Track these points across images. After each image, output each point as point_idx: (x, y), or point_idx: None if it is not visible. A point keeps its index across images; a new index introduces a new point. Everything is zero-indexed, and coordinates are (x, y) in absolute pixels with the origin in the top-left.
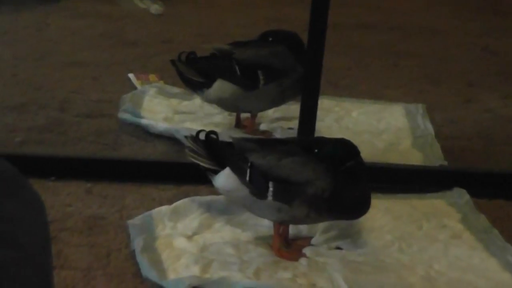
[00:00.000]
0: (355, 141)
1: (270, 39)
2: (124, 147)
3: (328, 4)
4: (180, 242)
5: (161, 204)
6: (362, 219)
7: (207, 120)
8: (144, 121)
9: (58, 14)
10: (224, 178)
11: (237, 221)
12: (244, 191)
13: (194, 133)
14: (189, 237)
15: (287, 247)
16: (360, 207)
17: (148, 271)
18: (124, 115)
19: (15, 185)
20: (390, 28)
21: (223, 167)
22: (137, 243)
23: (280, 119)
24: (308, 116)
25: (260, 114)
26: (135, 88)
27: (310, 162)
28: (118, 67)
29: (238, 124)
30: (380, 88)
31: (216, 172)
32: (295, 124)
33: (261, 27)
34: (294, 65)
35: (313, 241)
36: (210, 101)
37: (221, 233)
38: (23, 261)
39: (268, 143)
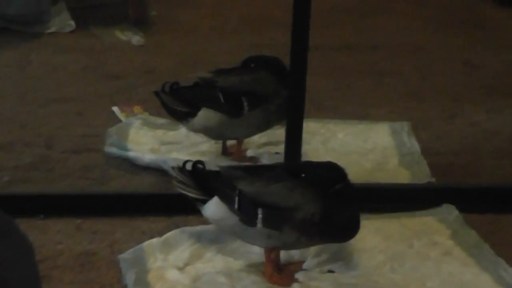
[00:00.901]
0: (342, 162)
1: (253, 65)
2: (112, 181)
3: (308, 27)
4: (172, 274)
5: (151, 237)
6: (353, 240)
7: (194, 149)
8: (130, 154)
9: (40, 50)
10: (213, 207)
11: (228, 249)
12: (233, 219)
13: (180, 164)
14: (181, 269)
15: (280, 273)
16: (350, 229)
17: None
18: (110, 149)
19: (3, 228)
20: (371, 47)
21: (211, 197)
22: (129, 278)
23: (266, 144)
24: (293, 140)
25: (246, 140)
26: (120, 121)
27: (298, 186)
28: (102, 101)
29: (225, 151)
30: (364, 107)
31: (204, 202)
32: (281, 148)
33: (243, 53)
34: (277, 90)
35: (305, 265)
36: (195, 130)
37: (213, 262)
38: None
39: (255, 170)
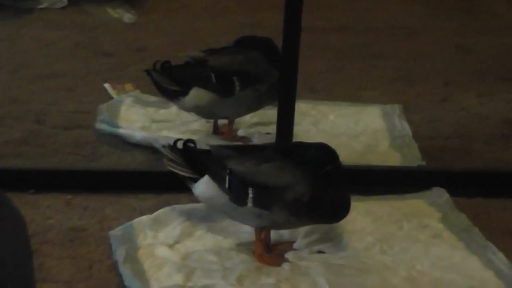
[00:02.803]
0: (332, 144)
1: (245, 45)
2: (102, 157)
3: (301, 8)
4: (162, 251)
5: (141, 214)
6: (343, 222)
7: (185, 127)
8: (121, 131)
9: (31, 25)
10: (204, 186)
11: (218, 228)
12: (223, 198)
13: (171, 142)
14: (171, 246)
15: (269, 253)
16: (340, 211)
17: (131, 282)
18: (101, 126)
19: None
20: (364, 30)
21: (202, 175)
22: (119, 254)
23: (257, 124)
24: (285, 121)
25: (237, 120)
26: (111, 98)
27: (289, 167)
28: (93, 77)
29: (216, 130)
30: (356, 90)
31: (195, 181)
32: (272, 129)
33: (235, 33)
34: (269, 70)
35: (295, 245)
36: (186, 109)
37: (203, 241)
38: (5, 278)
39: (246, 150)
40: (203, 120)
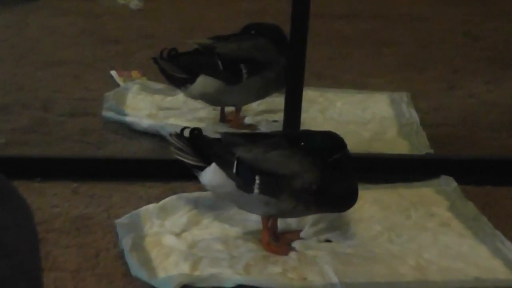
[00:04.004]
0: (340, 131)
1: (252, 32)
2: (109, 145)
3: None
4: (169, 240)
5: (148, 202)
6: (351, 210)
7: (192, 115)
8: (128, 119)
9: (37, 12)
10: (211, 174)
11: (225, 216)
12: (231, 186)
13: (178, 130)
14: (178, 235)
15: (276, 241)
16: (348, 199)
17: (138, 270)
18: (108, 113)
19: (2, 192)
20: (372, 17)
21: (209, 164)
22: (126, 242)
23: (265, 112)
24: (293, 108)
25: (244, 107)
26: (118, 85)
27: (297, 155)
28: (100, 65)
29: (223, 118)
30: (363, 77)
31: (202, 169)
32: (280, 116)
33: (243, 20)
34: (276, 58)
35: (302, 234)
36: (193, 96)
37: (210, 229)
38: (12, 270)
39: (254, 137)
40: (210, 108)
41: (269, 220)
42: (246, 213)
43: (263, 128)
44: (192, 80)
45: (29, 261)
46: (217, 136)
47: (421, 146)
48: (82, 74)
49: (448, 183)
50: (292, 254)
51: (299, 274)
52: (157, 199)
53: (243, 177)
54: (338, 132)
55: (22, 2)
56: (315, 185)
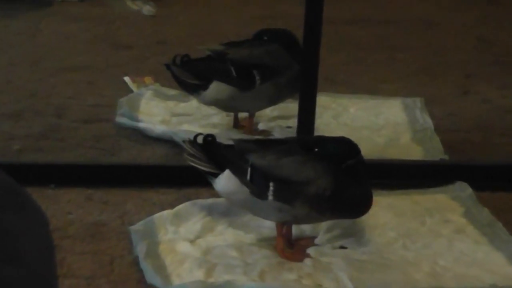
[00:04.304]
0: (354, 137)
1: (265, 38)
2: (123, 151)
3: (323, 0)
4: (183, 247)
5: (162, 209)
6: (365, 216)
7: (205, 121)
8: (141, 125)
9: (50, 18)
10: (225, 181)
11: (240, 223)
12: (244, 193)
13: (191, 137)
14: (192, 241)
15: (291, 248)
16: (362, 206)
17: (152, 277)
18: (121, 119)
19: (18, 199)
20: (385, 22)
21: (222, 170)
22: (140, 249)
23: (278, 118)
24: (306, 114)
25: (258, 113)
26: (131, 91)
27: (311, 161)
28: (113, 71)
29: (236, 124)
30: (377, 82)
31: (215, 175)
32: (293, 122)
33: (255, 25)
34: (289, 63)
35: (316, 240)
36: (206, 103)
37: (224, 236)
38: (27, 278)
39: (267, 143)
40: (223, 114)
41: (283, 226)
42: (261, 220)
43: (276, 134)
44: (205, 86)
45: (44, 268)
46: (231, 142)
47: (435, 152)
48: (96, 80)
49: (463, 189)
50: (307, 261)
51: (314, 281)
52: (171, 206)
53: (257, 183)
54: (351, 138)
55: (35, 8)
56: (329, 191)
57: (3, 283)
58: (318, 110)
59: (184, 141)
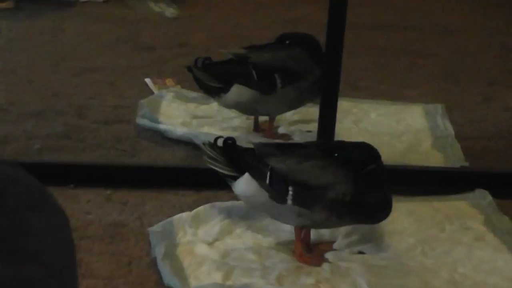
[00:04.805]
0: (374, 143)
1: (287, 42)
2: (143, 153)
3: (346, 5)
4: (202, 249)
5: (181, 211)
6: (384, 222)
7: (225, 124)
8: (162, 126)
9: (73, 19)
10: (244, 184)
11: (258, 226)
12: (264, 196)
13: (211, 139)
14: (210, 244)
15: (309, 252)
16: (381, 211)
17: (170, 279)
18: (142, 121)
19: (40, 199)
20: (406, 28)
21: (242, 173)
22: (158, 251)
23: (298, 122)
24: (327, 119)
25: (278, 117)
26: (152, 92)
27: (330, 166)
28: (134, 72)
29: (257, 127)
30: (398, 88)
31: (235, 178)
32: (313, 126)
33: (277, 29)
34: (311, 68)
35: (335, 245)
36: (227, 106)
37: (242, 239)
38: (49, 278)
39: (287, 147)
40: (244, 117)
41: (302, 231)
42: (279, 224)
43: (296, 138)
44: (226, 89)
45: (65, 268)
46: (251, 146)
47: (456, 159)
48: (117, 81)
49: (483, 196)
50: (325, 266)
51: (331, 286)
52: (190, 208)
53: (276, 187)
54: (372, 143)
55: (58, 8)
56: (348, 196)
57: (24, 282)
58: (339, 115)
59: (204, 144)
